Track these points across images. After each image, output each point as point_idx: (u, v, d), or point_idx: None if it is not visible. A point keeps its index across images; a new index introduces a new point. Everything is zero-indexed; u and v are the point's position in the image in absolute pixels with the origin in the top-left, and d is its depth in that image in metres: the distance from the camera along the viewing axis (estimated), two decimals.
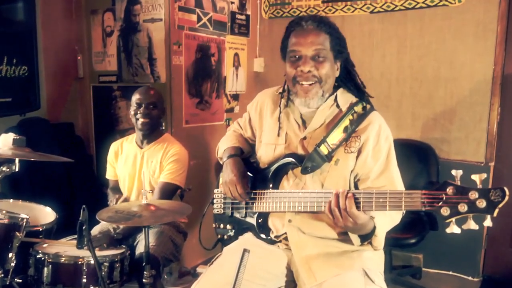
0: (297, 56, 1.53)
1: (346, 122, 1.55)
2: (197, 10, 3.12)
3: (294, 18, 1.59)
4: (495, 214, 1.18)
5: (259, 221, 1.67)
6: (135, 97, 2.37)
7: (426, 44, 3.13)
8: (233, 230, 1.77)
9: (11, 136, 1.94)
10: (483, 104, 3.00)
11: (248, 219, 1.72)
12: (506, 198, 1.17)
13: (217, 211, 1.80)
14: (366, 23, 3.30)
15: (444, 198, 1.23)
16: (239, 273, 1.31)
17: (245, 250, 1.33)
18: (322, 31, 1.51)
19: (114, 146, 2.54)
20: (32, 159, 1.91)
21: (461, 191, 1.22)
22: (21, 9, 2.92)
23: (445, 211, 1.23)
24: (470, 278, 3.16)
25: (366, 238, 1.48)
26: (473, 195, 1.20)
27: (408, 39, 3.18)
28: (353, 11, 3.33)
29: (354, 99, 1.62)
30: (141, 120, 2.34)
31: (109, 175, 2.56)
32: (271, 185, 1.64)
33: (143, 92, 2.38)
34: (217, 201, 1.81)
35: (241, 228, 1.75)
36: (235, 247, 1.69)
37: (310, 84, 1.53)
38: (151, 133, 2.40)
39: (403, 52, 3.21)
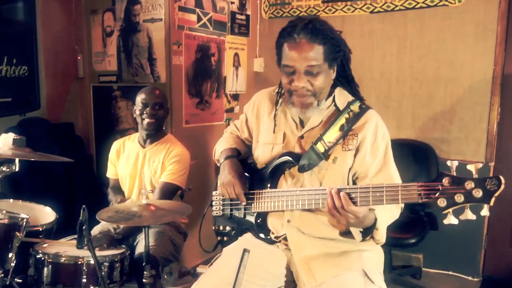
0: (291, 71, 1.51)
1: (342, 120, 1.56)
2: (197, 10, 3.12)
3: (286, 25, 1.52)
4: (491, 203, 1.19)
5: (258, 221, 1.67)
6: (141, 97, 2.37)
7: (426, 44, 3.13)
8: (233, 231, 1.77)
9: (11, 136, 1.94)
10: (483, 104, 3.00)
11: (248, 220, 1.72)
12: (502, 186, 1.17)
13: (216, 213, 1.80)
14: (366, 23, 3.30)
15: (440, 189, 1.24)
16: (239, 273, 1.31)
17: (245, 250, 1.33)
18: (315, 43, 1.46)
19: (116, 145, 2.54)
20: (32, 159, 1.91)
21: (457, 181, 1.22)
22: (21, 9, 2.92)
23: (441, 202, 1.23)
24: (470, 278, 3.16)
25: (368, 232, 1.48)
26: (469, 185, 1.20)
27: (408, 39, 3.18)
28: (353, 11, 3.33)
29: (350, 97, 1.62)
30: (147, 120, 2.34)
31: (109, 173, 2.56)
32: (269, 185, 1.64)
33: (148, 92, 2.38)
34: (216, 203, 1.81)
35: (240, 228, 1.75)
36: (234, 247, 1.69)
37: (305, 96, 1.52)
38: (155, 133, 2.41)
39: (403, 52, 3.21)
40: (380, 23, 3.26)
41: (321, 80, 1.50)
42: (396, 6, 3.18)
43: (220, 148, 1.84)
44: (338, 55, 1.53)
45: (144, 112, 2.34)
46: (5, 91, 2.82)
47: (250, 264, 1.36)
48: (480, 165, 1.22)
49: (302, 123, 1.64)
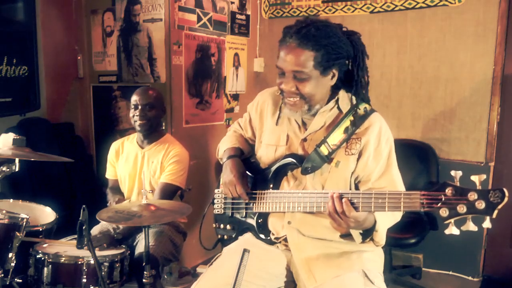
0: (280, 72, 1.52)
1: (347, 122, 1.55)
2: (197, 10, 3.12)
3: (286, 26, 1.51)
4: (494, 216, 1.18)
5: (259, 221, 1.67)
6: (133, 98, 2.38)
7: (426, 44, 3.13)
8: (234, 231, 1.77)
9: (11, 136, 1.94)
10: (483, 104, 3.00)
11: (248, 220, 1.72)
12: (506, 199, 1.16)
13: (218, 211, 1.80)
14: (366, 23, 3.30)
15: (443, 199, 1.23)
16: (239, 273, 1.31)
17: (245, 250, 1.33)
18: (304, 49, 1.43)
19: (115, 146, 2.54)
20: (32, 159, 1.91)
21: (460, 192, 1.21)
22: (21, 9, 2.92)
23: (444, 212, 1.23)
24: (470, 278, 3.17)
25: (368, 234, 1.48)
26: (472, 196, 1.20)
27: (408, 39, 3.18)
28: (353, 11, 3.33)
29: (355, 100, 1.61)
30: (138, 121, 2.34)
31: (109, 174, 2.55)
32: (271, 186, 1.64)
33: (140, 93, 2.38)
34: (217, 201, 1.81)
35: (241, 228, 1.75)
36: (234, 247, 1.69)
37: (293, 99, 1.52)
38: (151, 133, 2.40)
39: (403, 52, 3.21)
40: (380, 23, 3.26)
41: (309, 87, 1.48)
42: (396, 6, 3.18)
43: (224, 147, 1.84)
44: (336, 62, 1.49)
45: (135, 113, 2.35)
46: (5, 91, 2.82)
47: (250, 264, 1.36)
48: (484, 176, 1.21)
49: (305, 126, 1.63)
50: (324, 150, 1.52)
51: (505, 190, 1.17)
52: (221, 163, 1.80)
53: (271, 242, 1.66)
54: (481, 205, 1.19)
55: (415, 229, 2.77)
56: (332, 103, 1.58)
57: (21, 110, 2.97)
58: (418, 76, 3.18)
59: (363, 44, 1.58)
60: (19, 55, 2.87)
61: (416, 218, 2.86)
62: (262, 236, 1.66)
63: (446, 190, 1.23)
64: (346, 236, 1.56)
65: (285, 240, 1.62)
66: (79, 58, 3.35)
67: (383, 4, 3.22)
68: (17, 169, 1.93)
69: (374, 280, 1.50)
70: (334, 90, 1.58)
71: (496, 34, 2.91)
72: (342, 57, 1.50)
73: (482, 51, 2.96)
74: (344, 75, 1.56)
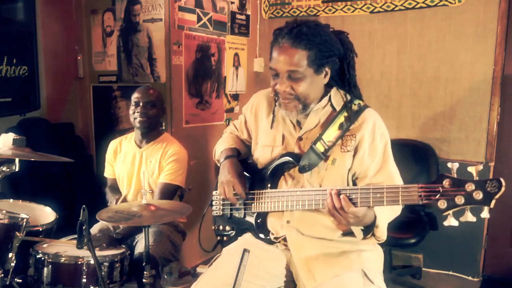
0: (274, 74, 1.53)
1: (341, 119, 1.55)
2: (197, 10, 3.12)
3: (276, 28, 1.54)
4: (492, 205, 1.19)
5: (258, 221, 1.67)
6: (134, 96, 2.38)
7: (426, 44, 3.13)
8: (233, 231, 1.77)
9: (11, 136, 1.94)
10: (483, 104, 3.00)
11: (247, 220, 1.72)
12: (503, 188, 1.18)
13: (216, 212, 1.80)
14: (366, 23, 3.30)
15: (441, 191, 1.24)
16: (239, 273, 1.31)
17: (245, 250, 1.33)
18: (298, 48, 1.45)
19: (113, 145, 2.54)
20: (32, 159, 1.91)
21: (458, 183, 1.23)
22: (21, 9, 2.92)
23: (442, 204, 1.24)
24: (470, 278, 3.17)
25: (369, 230, 1.49)
26: (470, 187, 1.21)
27: (408, 39, 3.18)
28: (353, 11, 3.33)
29: (347, 97, 1.61)
30: (138, 118, 2.34)
31: (107, 173, 2.55)
32: (269, 185, 1.64)
33: (141, 91, 2.39)
34: (216, 202, 1.81)
35: (240, 228, 1.75)
36: (234, 247, 1.69)
37: (288, 100, 1.53)
38: (150, 132, 2.40)
39: (403, 52, 3.21)
40: (380, 23, 3.26)
41: (304, 85, 1.50)
42: (396, 6, 3.18)
43: (220, 148, 1.84)
44: (329, 60, 1.51)
45: (136, 110, 2.35)
46: (5, 91, 2.82)
47: (250, 264, 1.36)
48: (481, 167, 1.22)
49: (299, 125, 1.64)
50: (320, 147, 1.53)
51: (501, 179, 1.18)
52: (218, 164, 1.81)
53: (270, 242, 1.66)
54: (478, 195, 1.20)
55: (415, 229, 2.78)
56: (324, 100, 1.59)
57: (21, 110, 2.97)
58: (418, 76, 3.18)
59: (351, 42, 1.60)
60: (19, 55, 2.87)
61: (416, 218, 2.86)
62: (261, 236, 1.67)
63: (444, 182, 1.24)
64: (346, 234, 1.56)
65: (285, 239, 1.62)
66: (79, 58, 3.35)
67: (383, 4, 3.22)
68: (17, 169, 1.93)
69: (374, 280, 1.51)
70: (327, 88, 1.60)
71: (496, 34, 2.91)
72: (333, 55, 1.52)
73: (482, 51, 2.96)
74: (335, 73, 1.57)
